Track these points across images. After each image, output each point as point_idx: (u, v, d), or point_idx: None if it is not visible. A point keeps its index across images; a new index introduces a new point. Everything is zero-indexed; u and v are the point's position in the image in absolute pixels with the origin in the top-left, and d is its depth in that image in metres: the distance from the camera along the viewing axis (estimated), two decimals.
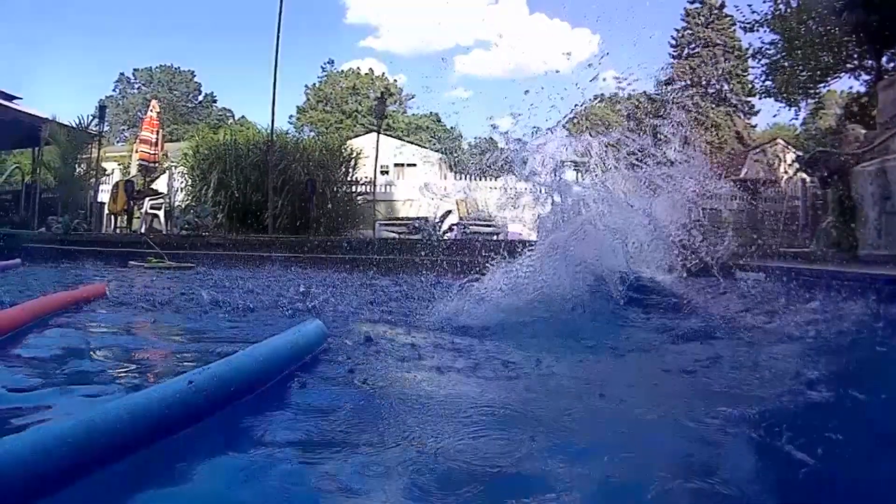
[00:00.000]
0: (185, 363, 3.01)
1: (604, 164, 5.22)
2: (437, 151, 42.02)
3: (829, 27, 19.08)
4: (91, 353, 3.11)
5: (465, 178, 22.84)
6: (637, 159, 5.20)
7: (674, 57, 48.76)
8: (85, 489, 1.49)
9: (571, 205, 4.86)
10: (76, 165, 17.54)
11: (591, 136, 5.40)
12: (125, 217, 16.54)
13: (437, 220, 15.09)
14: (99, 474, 1.51)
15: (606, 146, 5.27)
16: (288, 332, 2.82)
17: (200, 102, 73.32)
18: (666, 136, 5.78)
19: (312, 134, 46.83)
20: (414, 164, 31.54)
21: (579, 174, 5.75)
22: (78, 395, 2.22)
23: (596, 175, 5.30)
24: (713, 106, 47.20)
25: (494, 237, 15.01)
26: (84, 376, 2.56)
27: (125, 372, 2.81)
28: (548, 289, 4.13)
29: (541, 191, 5.12)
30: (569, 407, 2.25)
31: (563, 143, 5.36)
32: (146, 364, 3.13)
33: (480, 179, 22.24)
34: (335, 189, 17.09)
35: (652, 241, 4.83)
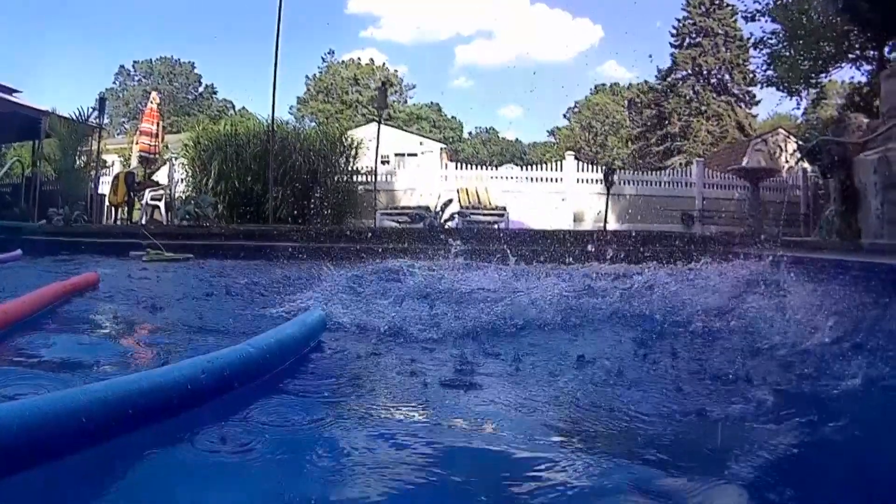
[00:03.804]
0: (173, 352, 3.01)
1: None
2: (438, 141, 41.95)
3: (830, 17, 19.01)
4: (82, 344, 3.11)
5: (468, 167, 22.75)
6: None
7: (675, 46, 48.65)
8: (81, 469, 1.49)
9: None
10: (76, 158, 17.49)
11: None
12: (126, 209, 16.52)
13: (437, 210, 15.09)
14: (91, 455, 1.51)
15: None
16: (293, 321, 2.83)
17: (201, 94, 73.09)
18: None
19: (313, 124, 46.72)
20: (415, 154, 31.47)
21: None
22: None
23: None
24: (714, 96, 47.13)
25: (496, 226, 15.03)
26: (77, 367, 2.55)
27: (118, 361, 2.81)
28: None
29: None
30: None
31: None
32: (136, 354, 3.13)
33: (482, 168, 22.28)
34: (336, 179, 17.08)
35: None
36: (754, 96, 46.81)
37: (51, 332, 3.41)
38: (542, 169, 21.83)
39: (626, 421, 1.98)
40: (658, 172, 25.44)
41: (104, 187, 18.16)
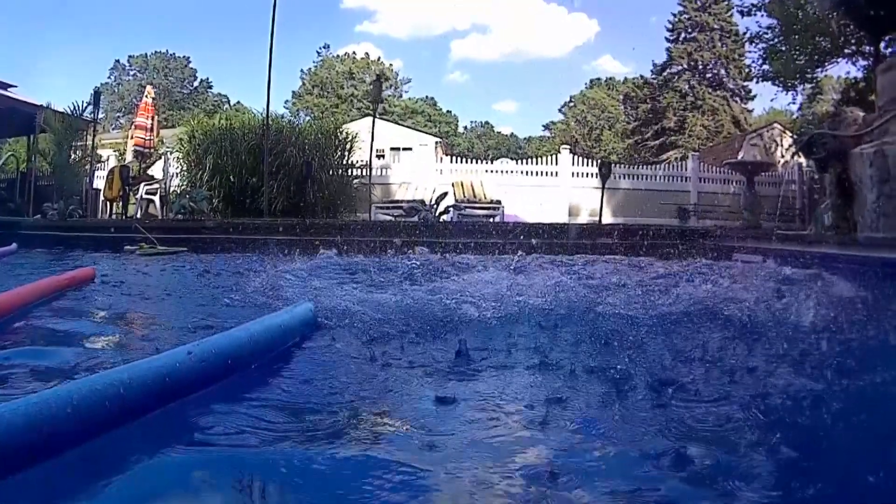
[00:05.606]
0: (166, 343, 3.00)
1: None
2: (433, 135, 41.91)
3: (826, 12, 18.98)
4: (78, 337, 3.10)
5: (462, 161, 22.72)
6: None
7: (670, 41, 48.64)
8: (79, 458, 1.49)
9: None
10: (71, 152, 17.45)
11: None
12: (121, 203, 16.50)
13: (432, 203, 15.08)
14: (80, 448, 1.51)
15: None
16: (280, 312, 2.83)
17: (196, 88, 72.95)
18: None
19: (308, 119, 46.65)
20: (410, 148, 31.45)
21: None
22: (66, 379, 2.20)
23: None
24: (710, 90, 47.14)
25: (491, 220, 15.02)
26: (71, 360, 2.54)
27: (111, 353, 2.81)
28: None
29: None
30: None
31: None
32: (130, 345, 3.13)
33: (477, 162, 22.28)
34: (331, 173, 17.05)
35: None
36: (750, 91, 46.87)
37: (48, 324, 3.41)
38: (537, 163, 21.85)
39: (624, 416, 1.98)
40: (653, 167, 25.44)
41: (99, 182, 18.14)
